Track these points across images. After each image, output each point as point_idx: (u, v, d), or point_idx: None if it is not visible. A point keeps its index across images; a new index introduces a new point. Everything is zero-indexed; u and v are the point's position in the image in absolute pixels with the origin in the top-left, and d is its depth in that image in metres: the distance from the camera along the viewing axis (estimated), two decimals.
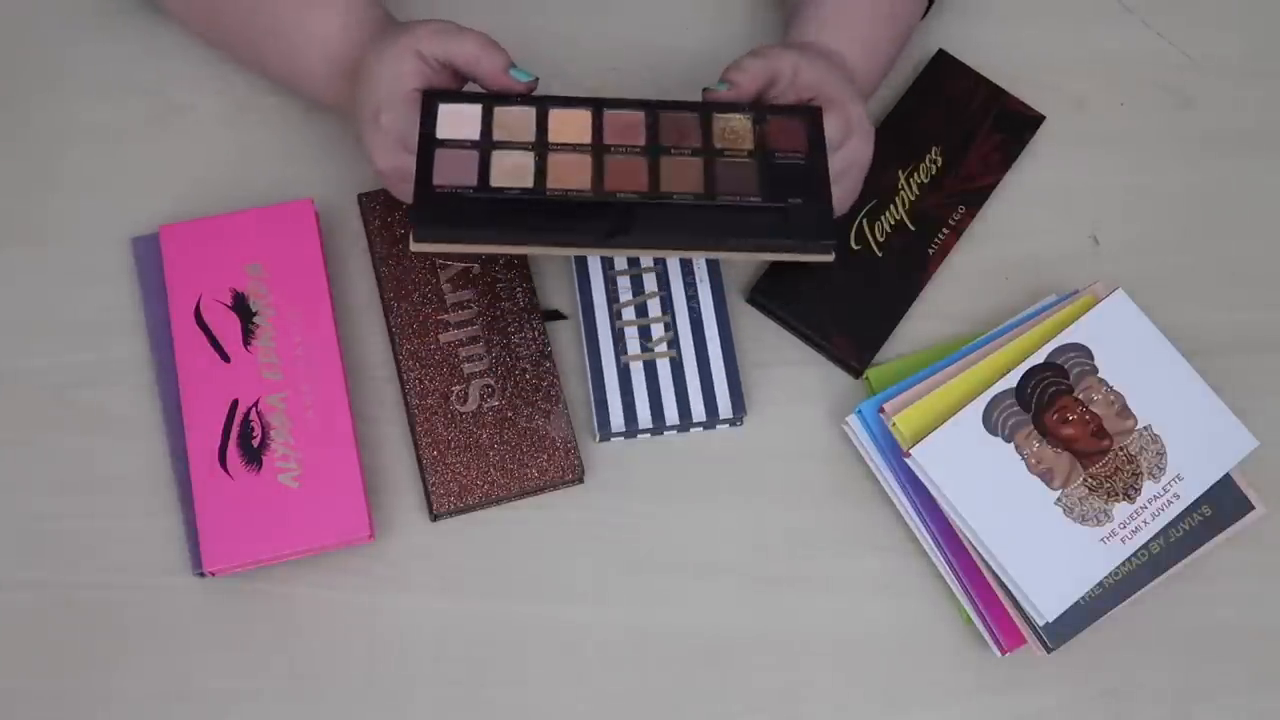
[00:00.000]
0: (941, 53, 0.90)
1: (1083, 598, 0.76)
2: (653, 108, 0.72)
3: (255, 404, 0.77)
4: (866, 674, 0.78)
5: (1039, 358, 0.79)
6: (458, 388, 0.80)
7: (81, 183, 0.85)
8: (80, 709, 0.75)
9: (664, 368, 0.81)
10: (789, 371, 0.84)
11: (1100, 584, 0.77)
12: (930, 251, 0.85)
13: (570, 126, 0.70)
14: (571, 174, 0.69)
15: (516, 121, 0.70)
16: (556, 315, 0.83)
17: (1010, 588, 0.76)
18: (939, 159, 0.87)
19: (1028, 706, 0.78)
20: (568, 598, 0.78)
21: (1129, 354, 0.80)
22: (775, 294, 0.84)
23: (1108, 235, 0.88)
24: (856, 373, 0.83)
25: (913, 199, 0.86)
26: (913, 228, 0.85)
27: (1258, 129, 0.92)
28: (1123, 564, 0.77)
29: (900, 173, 0.87)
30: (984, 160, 0.88)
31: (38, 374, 0.80)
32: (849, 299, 0.83)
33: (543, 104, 0.71)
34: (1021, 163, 0.89)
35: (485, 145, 0.70)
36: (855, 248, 0.85)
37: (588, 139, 0.70)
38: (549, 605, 0.78)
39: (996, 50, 0.91)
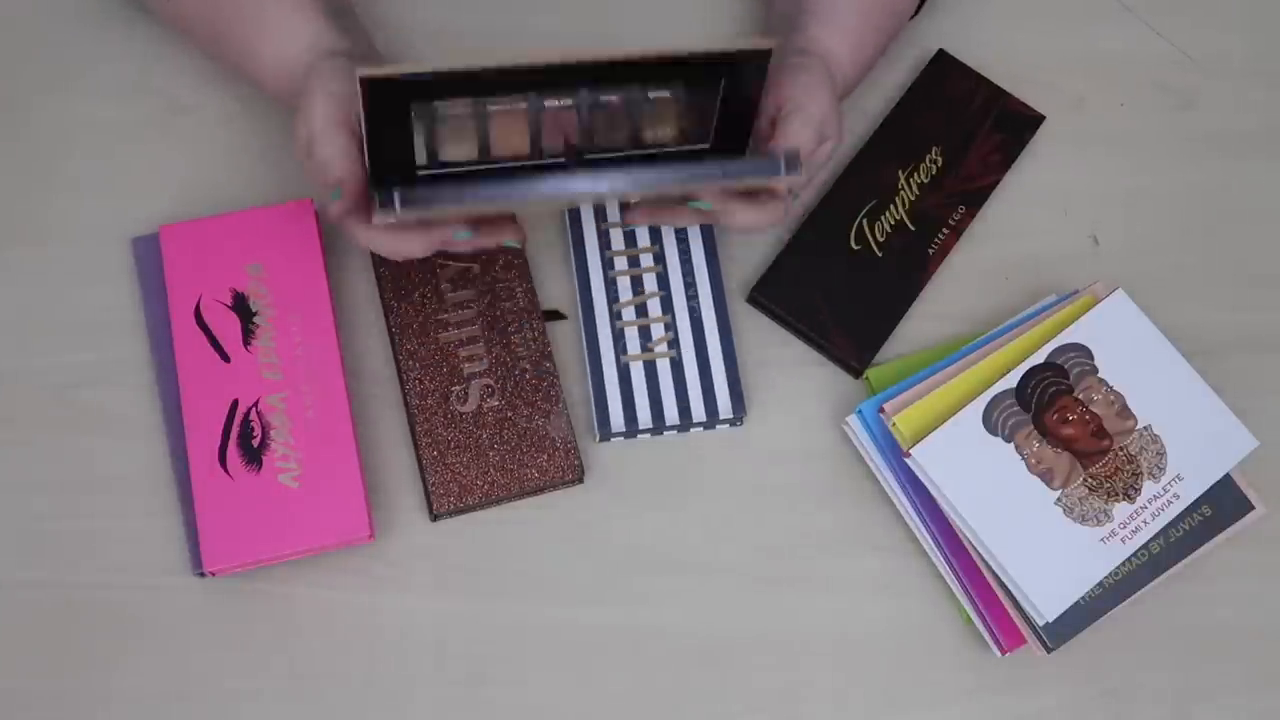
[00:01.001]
0: (941, 53, 0.90)
1: (1083, 598, 0.76)
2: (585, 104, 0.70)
3: (255, 404, 0.77)
4: (866, 674, 0.78)
5: (1039, 358, 0.79)
6: (457, 388, 0.80)
7: (82, 183, 0.85)
8: (80, 709, 0.75)
9: (664, 367, 0.81)
10: (789, 371, 0.84)
11: (1100, 584, 0.77)
12: (930, 251, 0.85)
13: (510, 136, 0.69)
14: (511, 136, 0.69)
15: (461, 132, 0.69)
16: (556, 315, 0.83)
17: (1010, 588, 0.76)
18: (939, 159, 0.87)
19: (1028, 706, 0.78)
20: (568, 598, 0.78)
21: (1129, 354, 0.80)
22: (775, 294, 0.84)
23: (1108, 235, 0.88)
24: (856, 373, 0.83)
25: (913, 199, 0.86)
26: (913, 228, 0.85)
27: (1258, 129, 0.92)
28: (1123, 564, 0.77)
29: (900, 173, 0.87)
30: (984, 160, 0.88)
31: (38, 374, 0.80)
32: (849, 299, 0.83)
33: (482, 104, 0.68)
34: (1021, 163, 0.89)
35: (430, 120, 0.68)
36: (855, 248, 0.85)
37: (525, 149, 0.70)
38: (549, 605, 0.78)
39: (996, 50, 0.91)
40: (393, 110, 0.66)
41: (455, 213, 0.72)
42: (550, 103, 0.69)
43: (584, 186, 0.69)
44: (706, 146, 0.72)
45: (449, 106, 0.67)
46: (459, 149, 0.69)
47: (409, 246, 0.72)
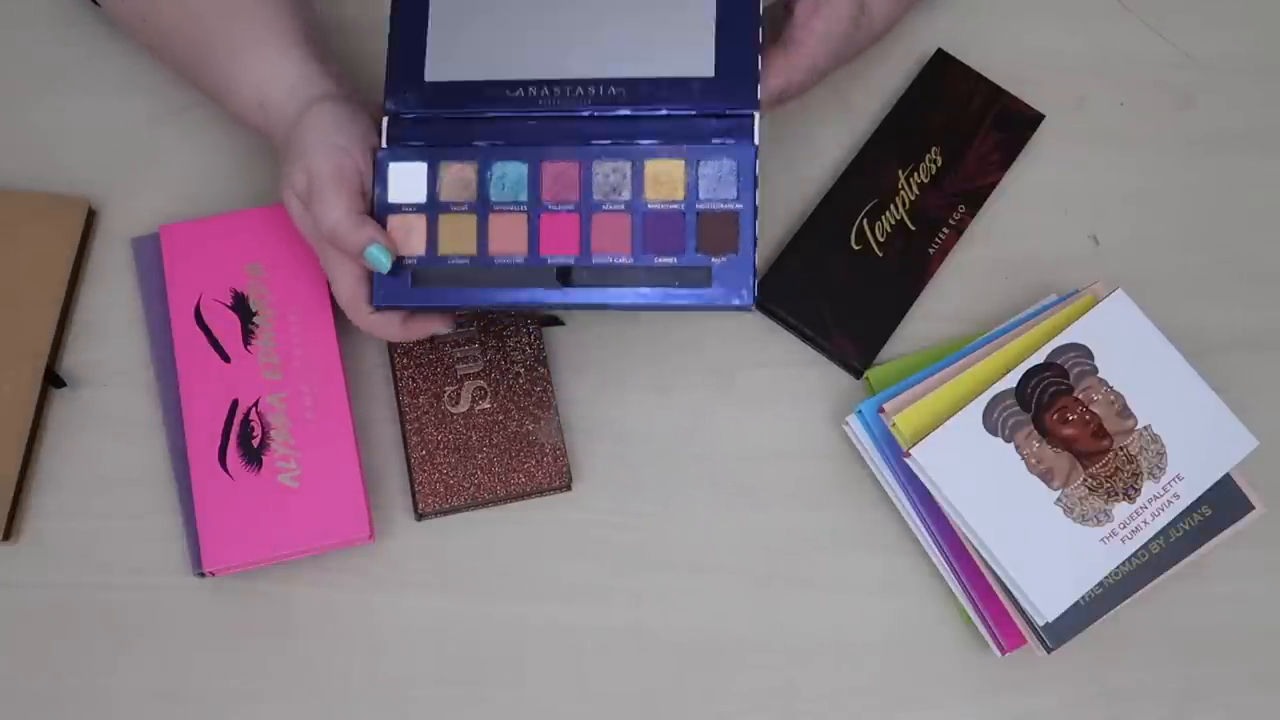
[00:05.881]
0: (941, 52, 0.90)
1: (1083, 598, 0.76)
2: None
3: (255, 404, 0.77)
4: (866, 674, 0.78)
5: (1039, 358, 0.79)
6: (450, 389, 0.80)
7: (81, 183, 0.85)
8: (80, 709, 0.75)
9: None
10: (789, 371, 0.84)
11: (1100, 584, 0.77)
12: (930, 251, 0.85)
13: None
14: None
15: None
16: (554, 321, 0.83)
17: (1010, 588, 0.76)
18: (939, 159, 0.87)
19: (1028, 706, 0.78)
20: (567, 598, 0.78)
21: (1129, 354, 0.80)
22: (775, 294, 0.84)
23: (1108, 235, 0.88)
24: (857, 373, 0.83)
25: (913, 199, 0.86)
26: (913, 228, 0.85)
27: (1258, 128, 0.92)
28: (1123, 564, 0.77)
29: (900, 172, 0.87)
30: (984, 160, 0.88)
31: None
32: (849, 299, 0.83)
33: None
34: (1021, 163, 0.88)
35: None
36: (855, 248, 0.85)
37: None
38: (548, 605, 0.78)
39: (996, 50, 0.91)
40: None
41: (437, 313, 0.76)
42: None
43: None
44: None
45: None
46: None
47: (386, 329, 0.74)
